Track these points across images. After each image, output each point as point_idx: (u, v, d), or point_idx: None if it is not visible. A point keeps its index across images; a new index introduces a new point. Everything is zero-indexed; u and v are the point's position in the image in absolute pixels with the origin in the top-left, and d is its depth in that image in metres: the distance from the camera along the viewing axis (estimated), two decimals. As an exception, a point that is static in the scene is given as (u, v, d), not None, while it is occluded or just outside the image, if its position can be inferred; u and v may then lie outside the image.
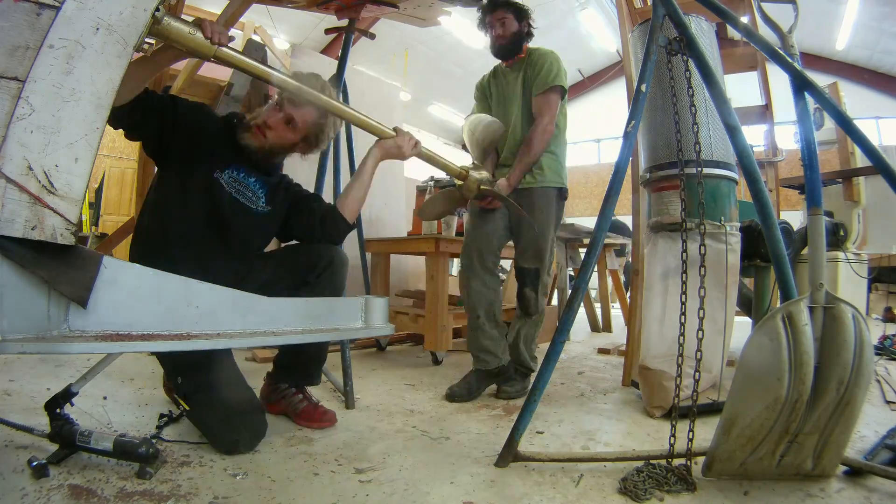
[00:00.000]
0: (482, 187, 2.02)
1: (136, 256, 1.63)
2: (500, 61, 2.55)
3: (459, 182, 2.01)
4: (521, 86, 2.43)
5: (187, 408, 1.53)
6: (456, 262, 6.59)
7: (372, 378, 2.59)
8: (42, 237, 0.84)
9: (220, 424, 1.51)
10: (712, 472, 1.37)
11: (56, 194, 0.85)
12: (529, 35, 2.50)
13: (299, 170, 3.68)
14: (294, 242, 1.88)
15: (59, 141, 0.85)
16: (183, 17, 1.29)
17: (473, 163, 2.08)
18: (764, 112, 3.26)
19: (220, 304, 1.03)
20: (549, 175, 2.38)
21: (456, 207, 2.46)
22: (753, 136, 3.60)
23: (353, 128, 2.90)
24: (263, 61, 1.51)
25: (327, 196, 2.58)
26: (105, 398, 1.93)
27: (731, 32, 2.24)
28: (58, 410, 1.37)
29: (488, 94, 2.62)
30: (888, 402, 2.21)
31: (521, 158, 2.30)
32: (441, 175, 2.89)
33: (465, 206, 2.48)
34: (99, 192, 8.07)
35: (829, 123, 4.38)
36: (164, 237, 1.60)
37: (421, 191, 3.39)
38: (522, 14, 2.45)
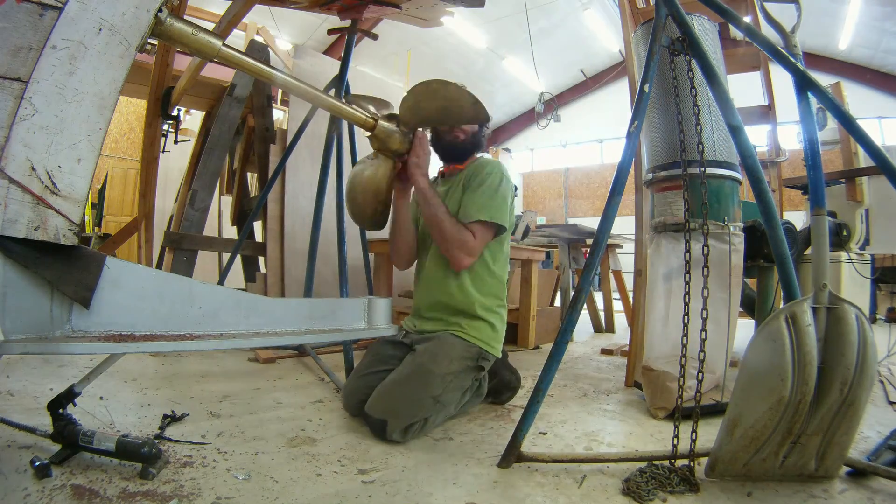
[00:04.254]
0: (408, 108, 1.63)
1: None
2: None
3: (368, 133, 1.65)
4: (455, 197, 1.96)
5: None
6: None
7: (374, 378, 2.59)
8: (45, 237, 0.84)
9: None
10: (715, 472, 1.36)
11: (59, 195, 0.85)
12: (478, 144, 2.07)
13: (302, 169, 3.70)
14: None
15: (61, 141, 0.85)
16: (186, 17, 1.29)
17: (389, 113, 1.70)
18: (767, 112, 3.25)
19: (222, 304, 1.04)
20: (476, 333, 1.90)
21: (387, 187, 1.79)
22: (756, 136, 3.59)
23: (356, 127, 2.90)
24: (266, 62, 1.50)
25: (330, 195, 2.59)
26: (101, 398, 1.93)
27: (734, 32, 2.23)
28: (60, 410, 1.37)
29: (418, 212, 2.06)
30: (891, 403, 2.20)
31: (444, 214, 1.81)
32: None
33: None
34: (102, 192, 8.11)
35: (832, 123, 4.37)
36: None
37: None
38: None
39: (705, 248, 1.48)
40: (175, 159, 5.80)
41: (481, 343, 1.89)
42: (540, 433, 1.79)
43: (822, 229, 1.41)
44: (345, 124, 2.76)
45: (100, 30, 0.89)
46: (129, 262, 1.14)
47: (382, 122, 1.64)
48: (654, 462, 1.41)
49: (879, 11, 10.04)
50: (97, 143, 0.89)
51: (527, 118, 16.80)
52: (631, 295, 2.89)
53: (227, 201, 5.05)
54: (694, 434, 1.38)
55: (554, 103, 12.00)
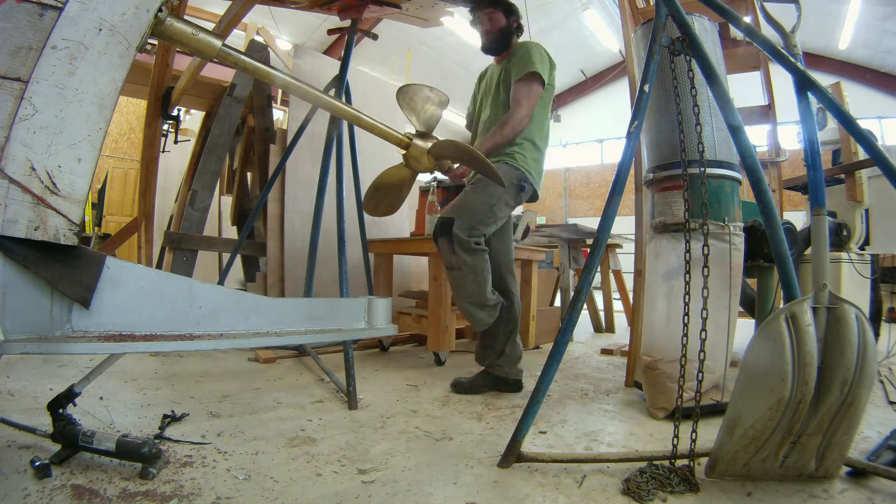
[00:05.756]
0: (436, 148, 1.74)
1: None
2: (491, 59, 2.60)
3: (402, 152, 1.77)
4: (500, 78, 2.46)
5: None
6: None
7: (375, 379, 2.59)
8: (45, 238, 0.84)
9: None
10: (715, 472, 1.36)
11: (59, 195, 0.85)
12: (518, 30, 2.54)
13: (302, 168, 3.70)
14: None
15: (61, 141, 0.85)
16: (185, 17, 1.29)
17: (417, 131, 1.83)
18: (767, 112, 3.25)
19: (222, 304, 1.04)
20: (521, 161, 2.35)
21: (406, 188, 2.05)
22: (756, 136, 3.59)
23: (356, 127, 2.90)
24: (266, 62, 1.49)
25: (330, 195, 2.59)
26: (101, 398, 1.93)
27: (734, 32, 2.23)
28: (60, 410, 1.37)
29: (476, 92, 2.71)
30: (891, 403, 2.20)
31: (490, 136, 2.30)
32: (444, 176, 2.88)
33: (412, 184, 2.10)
34: (102, 192, 8.12)
35: (832, 123, 4.37)
36: None
37: (423, 191, 3.38)
38: (510, 10, 2.49)
39: (705, 248, 1.48)
40: (175, 159, 5.80)
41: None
42: (540, 433, 1.79)
43: (822, 229, 1.41)
44: (345, 124, 2.75)
45: (100, 30, 0.89)
46: (129, 262, 1.14)
47: (416, 141, 1.73)
48: (654, 462, 1.41)
49: (880, 11, 10.05)
50: (97, 143, 0.89)
51: (527, 118, 16.76)
52: (631, 295, 2.89)
53: (227, 201, 5.04)
54: (694, 434, 1.39)
55: (554, 103, 12.00)
